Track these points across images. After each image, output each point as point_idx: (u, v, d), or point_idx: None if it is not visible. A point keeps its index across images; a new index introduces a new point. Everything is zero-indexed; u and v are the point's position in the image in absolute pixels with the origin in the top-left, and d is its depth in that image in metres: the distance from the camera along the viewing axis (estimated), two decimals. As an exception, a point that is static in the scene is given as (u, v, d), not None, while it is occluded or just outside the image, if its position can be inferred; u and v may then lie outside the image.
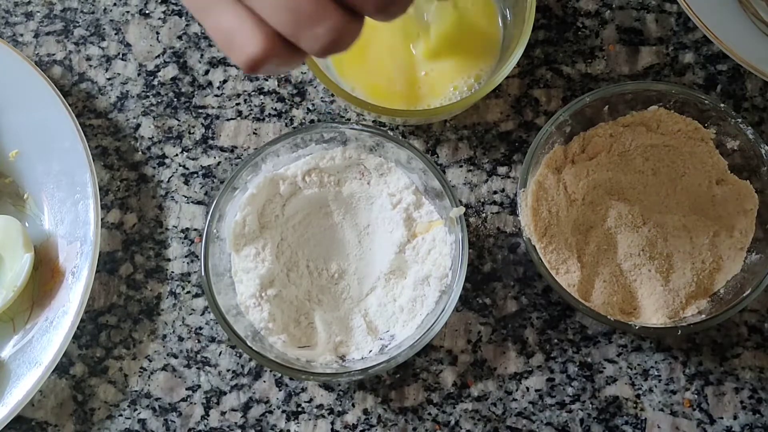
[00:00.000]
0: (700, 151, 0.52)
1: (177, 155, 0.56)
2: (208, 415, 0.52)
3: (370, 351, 0.49)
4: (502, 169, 0.55)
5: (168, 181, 0.56)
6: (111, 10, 0.59)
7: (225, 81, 0.57)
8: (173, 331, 0.54)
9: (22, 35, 0.58)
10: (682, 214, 0.52)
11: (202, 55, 0.58)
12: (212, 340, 0.53)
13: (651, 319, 0.50)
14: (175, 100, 0.57)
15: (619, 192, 0.52)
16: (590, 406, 0.52)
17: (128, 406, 0.53)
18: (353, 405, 0.52)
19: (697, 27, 0.53)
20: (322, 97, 0.57)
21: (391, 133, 0.50)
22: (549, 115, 0.55)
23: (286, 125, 0.56)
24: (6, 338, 0.52)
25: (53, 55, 0.58)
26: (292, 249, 0.52)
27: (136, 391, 0.53)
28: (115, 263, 0.55)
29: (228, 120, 0.57)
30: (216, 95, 0.57)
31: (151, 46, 0.58)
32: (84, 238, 0.52)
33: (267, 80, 0.57)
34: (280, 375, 0.53)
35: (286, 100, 0.57)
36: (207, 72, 0.57)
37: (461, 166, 0.55)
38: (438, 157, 0.55)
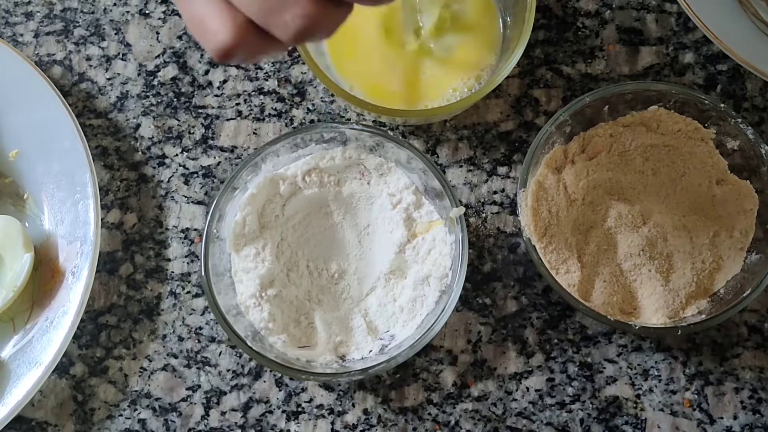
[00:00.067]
0: (700, 151, 0.52)
1: (177, 155, 0.56)
2: (208, 415, 0.52)
3: (370, 351, 0.49)
4: (502, 169, 0.55)
5: (168, 181, 0.56)
6: (111, 10, 0.59)
7: (225, 81, 0.57)
8: (173, 331, 0.54)
9: (22, 35, 0.58)
10: (682, 214, 0.52)
11: (202, 55, 0.58)
12: (212, 340, 0.53)
13: (651, 319, 0.50)
14: (175, 100, 0.57)
15: (619, 192, 0.52)
16: (590, 406, 0.52)
17: (128, 406, 0.53)
18: (353, 405, 0.52)
19: (697, 27, 0.53)
20: (322, 97, 0.57)
21: (391, 133, 0.50)
22: (549, 115, 0.55)
23: (286, 125, 0.56)
24: (6, 338, 0.52)
25: (53, 55, 0.58)
26: (292, 249, 0.52)
27: (136, 391, 0.53)
28: (115, 263, 0.55)
29: (228, 120, 0.57)
30: (216, 95, 0.57)
31: (151, 46, 0.58)
32: (84, 238, 0.52)
33: (267, 80, 0.57)
34: (280, 375, 0.53)
35: (286, 100, 0.57)
36: (207, 72, 0.57)
37: (461, 166, 0.55)
38: (438, 157, 0.55)
